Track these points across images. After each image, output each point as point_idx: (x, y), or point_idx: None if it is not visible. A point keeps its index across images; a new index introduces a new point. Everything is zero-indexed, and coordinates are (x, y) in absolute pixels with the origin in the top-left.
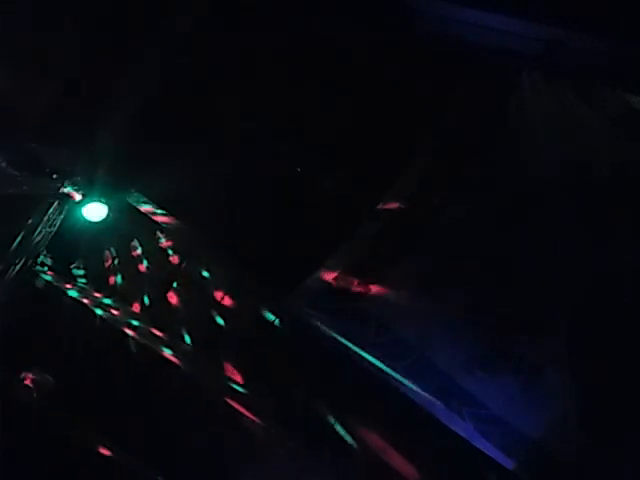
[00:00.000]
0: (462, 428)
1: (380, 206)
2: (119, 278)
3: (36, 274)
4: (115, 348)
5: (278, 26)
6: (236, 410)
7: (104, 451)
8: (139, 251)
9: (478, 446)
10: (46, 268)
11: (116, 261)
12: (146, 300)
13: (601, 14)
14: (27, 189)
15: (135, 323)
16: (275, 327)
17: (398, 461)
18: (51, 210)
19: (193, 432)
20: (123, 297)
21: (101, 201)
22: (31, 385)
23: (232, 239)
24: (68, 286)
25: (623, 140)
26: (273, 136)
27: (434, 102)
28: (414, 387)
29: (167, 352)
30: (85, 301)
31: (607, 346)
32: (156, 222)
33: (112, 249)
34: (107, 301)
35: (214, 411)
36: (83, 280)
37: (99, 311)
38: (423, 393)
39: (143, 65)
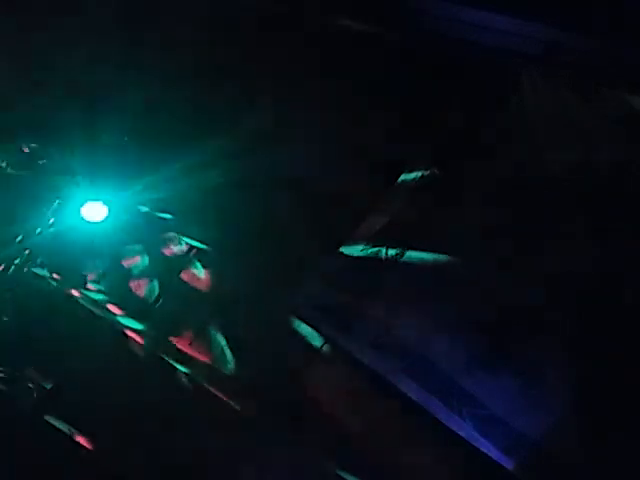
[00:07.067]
0: (462, 428)
1: (381, 205)
2: (119, 278)
3: (36, 274)
4: (115, 348)
5: (279, 26)
6: (237, 411)
7: (104, 450)
8: (139, 251)
9: (478, 446)
10: (46, 268)
11: (116, 261)
12: (144, 299)
13: (601, 14)
14: (27, 189)
15: (135, 323)
16: (274, 327)
17: (397, 461)
18: (51, 210)
19: (193, 432)
20: (122, 297)
21: (101, 201)
22: (31, 385)
23: (232, 239)
24: (67, 286)
25: (623, 140)
26: (273, 136)
27: (435, 102)
28: (414, 387)
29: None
30: (85, 301)
31: (607, 346)
32: (156, 222)
33: (112, 249)
34: (107, 301)
35: (215, 412)
36: (82, 280)
37: (99, 311)
38: (423, 393)
39: (143, 65)
